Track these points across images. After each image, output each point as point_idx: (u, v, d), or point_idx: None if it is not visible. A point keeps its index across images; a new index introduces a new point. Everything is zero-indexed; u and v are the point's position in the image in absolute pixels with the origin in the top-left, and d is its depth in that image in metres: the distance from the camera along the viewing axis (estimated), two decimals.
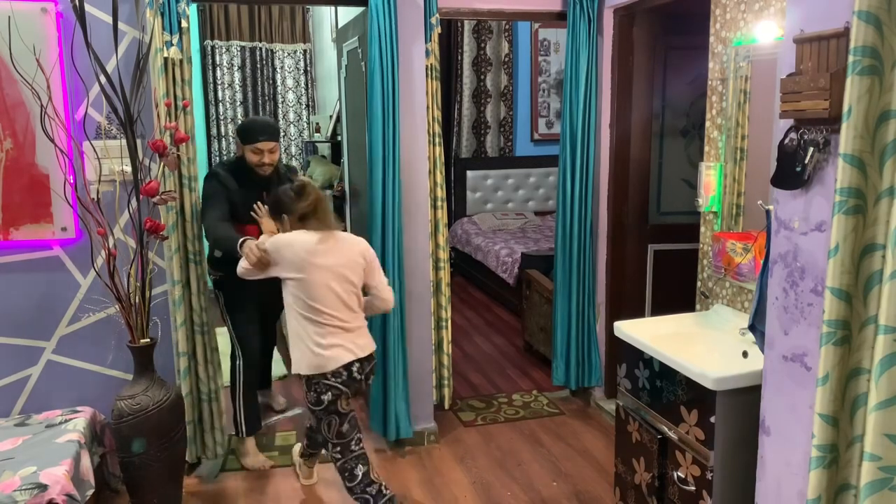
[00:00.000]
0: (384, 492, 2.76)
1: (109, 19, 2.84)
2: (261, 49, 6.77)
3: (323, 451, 3.15)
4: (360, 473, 2.76)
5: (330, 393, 2.70)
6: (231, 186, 3.22)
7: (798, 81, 1.73)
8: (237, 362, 3.43)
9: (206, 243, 3.21)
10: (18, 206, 3.01)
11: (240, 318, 3.38)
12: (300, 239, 2.69)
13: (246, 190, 3.21)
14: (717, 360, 2.42)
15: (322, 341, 2.67)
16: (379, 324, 3.44)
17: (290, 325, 2.74)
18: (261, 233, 2.95)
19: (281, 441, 3.72)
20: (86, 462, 2.75)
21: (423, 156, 3.55)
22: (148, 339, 2.91)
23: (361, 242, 2.83)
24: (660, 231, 3.98)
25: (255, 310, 3.43)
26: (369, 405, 3.61)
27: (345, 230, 2.99)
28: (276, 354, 4.78)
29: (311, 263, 2.65)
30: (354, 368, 2.72)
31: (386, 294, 2.86)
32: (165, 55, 2.98)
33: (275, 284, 2.81)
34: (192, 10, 3.21)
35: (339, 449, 2.78)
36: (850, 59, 1.52)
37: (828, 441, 1.65)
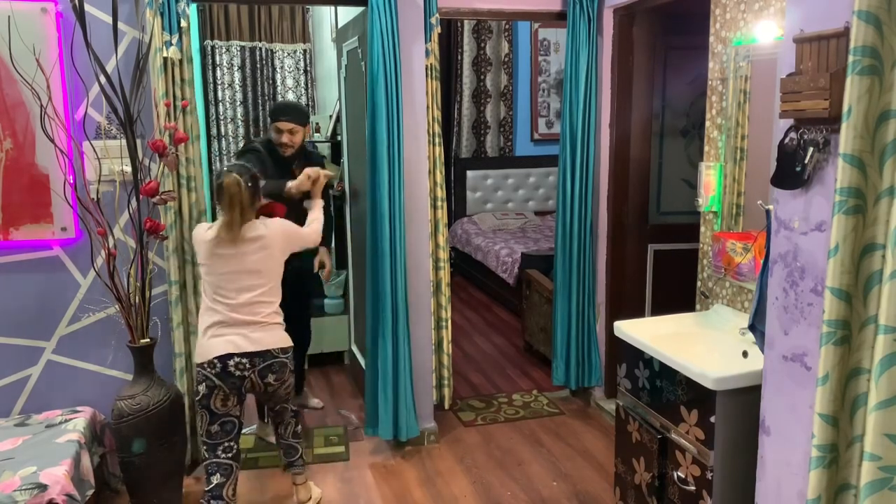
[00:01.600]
0: None
1: (109, 19, 2.84)
2: (261, 49, 6.77)
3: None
4: (214, 482, 2.73)
5: (204, 384, 2.69)
6: (267, 162, 3.38)
7: (798, 81, 1.73)
8: None
9: None
10: (18, 206, 3.01)
11: None
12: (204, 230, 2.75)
13: (277, 167, 3.35)
14: (717, 360, 2.42)
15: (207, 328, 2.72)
16: (390, 324, 3.43)
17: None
18: (288, 211, 3.01)
19: None
20: (86, 462, 2.75)
21: (424, 156, 3.55)
22: (148, 339, 2.91)
23: (273, 225, 2.80)
24: (660, 231, 3.98)
25: None
26: (367, 407, 3.60)
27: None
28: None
29: (214, 253, 2.70)
30: (231, 363, 2.67)
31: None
32: (165, 55, 2.98)
33: (293, 269, 3.10)
34: (192, 10, 3.21)
35: (205, 448, 2.77)
36: (850, 58, 1.52)
37: (828, 441, 1.65)
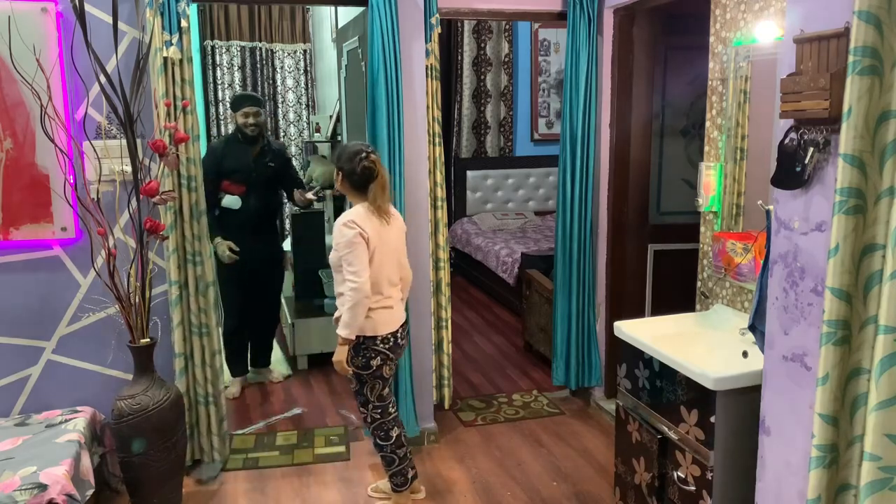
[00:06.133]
0: (409, 456, 3.06)
1: (109, 19, 2.84)
2: (261, 49, 6.77)
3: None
4: (395, 434, 3.01)
5: (378, 358, 2.93)
6: (220, 152, 4.13)
7: (798, 81, 1.73)
8: (219, 312, 4.01)
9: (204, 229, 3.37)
10: (18, 206, 3.01)
11: (223, 275, 4.05)
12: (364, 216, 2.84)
13: (238, 149, 4.13)
14: (717, 360, 2.42)
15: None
16: None
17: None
18: (238, 189, 4.11)
19: (282, 441, 3.72)
20: (86, 462, 2.75)
21: (424, 156, 3.55)
22: (148, 339, 2.91)
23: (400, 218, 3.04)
24: (660, 231, 3.98)
25: (239, 271, 4.13)
26: None
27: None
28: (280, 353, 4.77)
29: (380, 235, 2.87)
30: (399, 334, 2.97)
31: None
32: (165, 55, 2.98)
33: (261, 253, 4.19)
34: (193, 10, 3.21)
35: (379, 410, 2.99)
36: (850, 59, 1.52)
37: (828, 441, 1.65)
